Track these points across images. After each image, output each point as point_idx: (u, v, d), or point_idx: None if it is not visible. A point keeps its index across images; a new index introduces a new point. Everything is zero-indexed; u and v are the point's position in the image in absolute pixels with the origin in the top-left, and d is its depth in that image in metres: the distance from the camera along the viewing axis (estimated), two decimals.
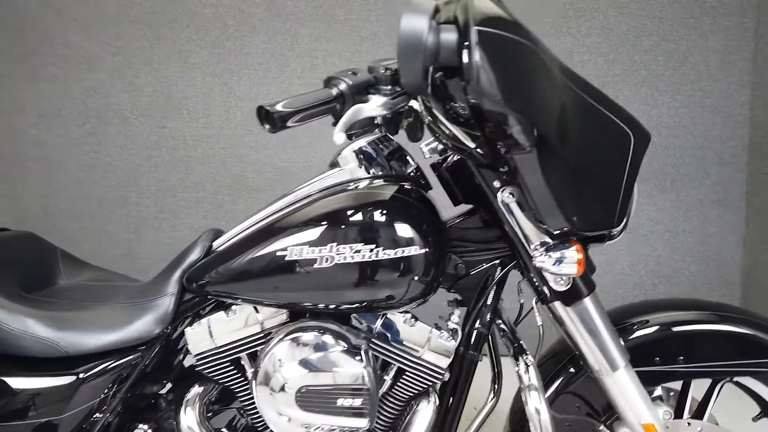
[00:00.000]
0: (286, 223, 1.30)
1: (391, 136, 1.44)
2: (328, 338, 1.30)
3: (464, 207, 1.43)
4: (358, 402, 1.27)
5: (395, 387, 1.37)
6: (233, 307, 1.37)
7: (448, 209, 1.42)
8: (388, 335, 1.34)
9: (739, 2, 2.83)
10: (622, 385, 1.29)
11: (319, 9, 2.92)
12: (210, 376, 1.39)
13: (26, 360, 1.35)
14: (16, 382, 1.36)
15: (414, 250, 1.24)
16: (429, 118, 1.21)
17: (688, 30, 2.87)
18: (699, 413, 1.43)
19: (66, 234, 3.02)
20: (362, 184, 1.31)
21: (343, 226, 1.26)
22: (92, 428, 1.37)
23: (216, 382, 1.41)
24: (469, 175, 1.32)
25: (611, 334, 1.29)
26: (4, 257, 1.45)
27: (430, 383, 1.35)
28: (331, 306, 1.31)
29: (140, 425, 1.44)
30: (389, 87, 1.20)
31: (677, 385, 1.44)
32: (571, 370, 1.42)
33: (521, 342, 1.36)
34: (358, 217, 1.26)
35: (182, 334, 1.44)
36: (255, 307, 1.36)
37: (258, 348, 1.37)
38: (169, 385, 1.51)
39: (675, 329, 1.39)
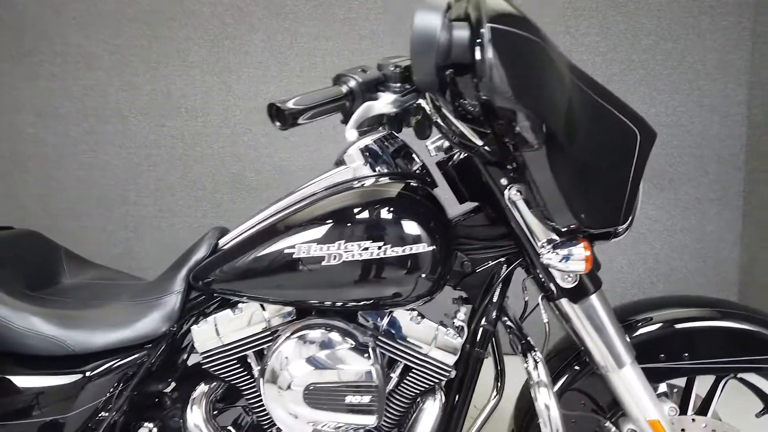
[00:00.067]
0: (293, 221, 1.30)
1: (396, 134, 1.45)
2: (335, 336, 1.30)
3: (469, 205, 1.43)
4: (366, 399, 1.28)
5: (401, 384, 1.37)
6: (239, 305, 1.37)
7: (453, 207, 1.42)
8: (395, 332, 1.34)
9: (737, 2, 2.85)
10: (628, 381, 1.30)
11: (318, 8, 2.92)
12: (216, 374, 1.39)
13: (31, 358, 1.34)
14: (21, 381, 1.35)
15: (422, 248, 1.25)
16: (437, 115, 1.22)
17: (686, 29, 2.88)
18: (703, 410, 1.44)
19: (64, 233, 2.99)
20: (369, 182, 1.31)
21: (350, 224, 1.26)
22: (98, 427, 1.37)
23: (222, 380, 1.41)
24: (475, 172, 1.32)
25: (617, 331, 1.30)
26: (8, 256, 1.45)
27: (437, 380, 1.35)
28: (338, 303, 1.31)
29: (145, 424, 1.44)
30: (398, 84, 1.20)
31: (681, 381, 1.45)
32: (576, 367, 1.42)
33: (529, 339, 1.36)
34: (366, 214, 1.26)
35: (187, 332, 1.44)
36: (261, 305, 1.36)
37: (264, 346, 1.37)
38: (173, 384, 1.51)
39: (679, 326, 1.39)
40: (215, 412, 1.45)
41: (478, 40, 0.99)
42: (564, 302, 1.30)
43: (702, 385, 1.45)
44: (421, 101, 1.27)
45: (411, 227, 1.25)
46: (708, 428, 1.38)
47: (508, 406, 1.57)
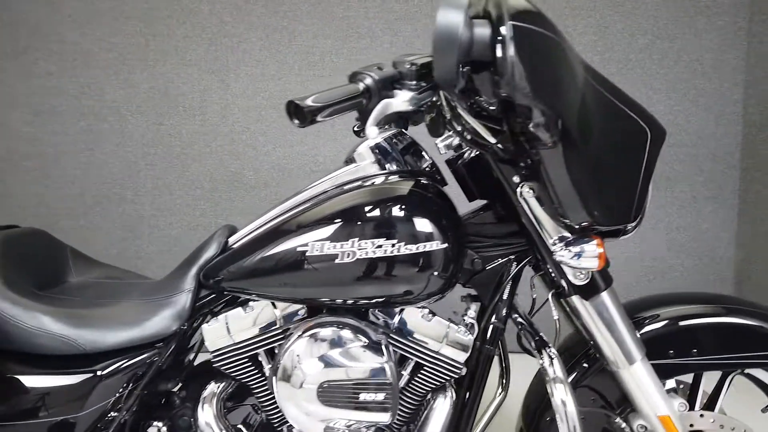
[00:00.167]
0: (306, 219, 1.30)
1: (405, 132, 1.45)
2: (349, 333, 1.30)
3: (478, 203, 1.43)
4: (380, 396, 1.28)
5: (412, 382, 1.37)
6: (250, 303, 1.37)
7: (461, 205, 1.42)
8: (406, 330, 1.35)
9: (732, 2, 2.88)
10: (639, 377, 1.31)
11: (317, 6, 2.92)
12: (227, 373, 1.39)
13: (41, 358, 1.34)
14: (31, 380, 1.34)
15: (435, 245, 1.25)
16: (450, 113, 1.22)
17: (682, 28, 2.91)
18: (709, 405, 1.45)
19: (61, 233, 2.93)
20: (380, 180, 1.31)
21: (364, 222, 1.26)
22: (108, 427, 1.36)
23: (233, 378, 1.40)
24: (485, 170, 1.33)
25: (628, 328, 1.31)
26: (15, 254, 1.44)
27: (448, 378, 1.36)
28: (349, 301, 1.31)
29: (154, 423, 1.44)
30: (414, 82, 1.20)
31: (687, 378, 1.46)
32: (585, 364, 1.43)
33: (542, 335, 1.37)
34: (380, 212, 1.26)
35: (194, 331, 1.43)
36: (272, 303, 1.36)
37: (276, 344, 1.37)
38: (179, 383, 1.50)
39: (686, 323, 1.40)
40: (224, 411, 1.45)
41: (499, 38, 1.00)
42: (575, 299, 1.30)
43: (708, 381, 1.46)
44: (435, 99, 1.27)
45: (424, 225, 1.25)
46: (716, 423, 1.39)
47: (512, 403, 1.58)
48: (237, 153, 3.02)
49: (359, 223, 1.26)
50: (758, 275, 2.93)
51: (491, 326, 1.38)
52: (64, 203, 3.04)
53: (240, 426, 1.44)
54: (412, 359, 1.36)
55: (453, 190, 1.39)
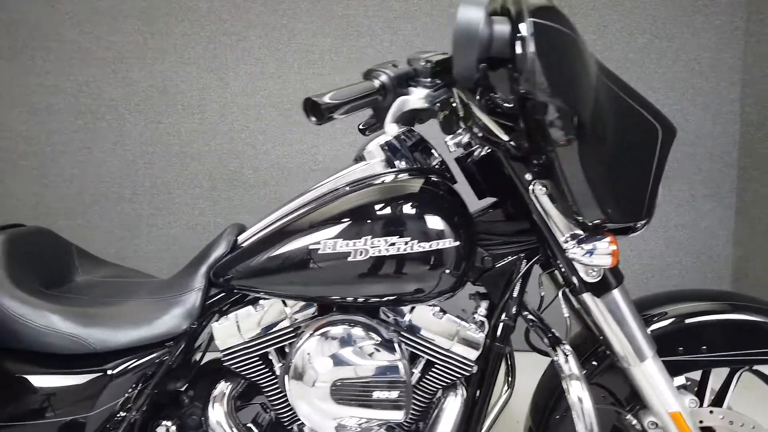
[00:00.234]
0: (317, 217, 1.30)
1: (413, 129, 1.45)
2: (361, 332, 1.30)
3: (486, 201, 1.44)
4: (394, 394, 1.28)
5: (423, 380, 1.37)
6: (260, 302, 1.36)
7: (470, 203, 1.42)
8: (417, 328, 1.35)
9: (729, 1, 2.89)
10: (650, 374, 1.31)
11: (316, 4, 2.92)
12: (237, 372, 1.38)
13: (50, 357, 1.33)
14: (41, 380, 1.33)
15: (448, 243, 1.25)
16: (464, 110, 1.22)
17: (680, 28, 2.92)
18: (717, 402, 1.46)
19: (59, 232, 2.95)
20: (391, 177, 1.31)
21: (377, 219, 1.26)
22: (117, 426, 1.35)
23: (243, 377, 1.40)
24: (495, 168, 1.33)
25: (639, 325, 1.31)
26: (21, 253, 1.42)
27: (459, 376, 1.36)
28: (360, 299, 1.31)
29: (163, 422, 1.43)
30: (429, 79, 1.20)
31: (696, 374, 1.47)
32: (594, 362, 1.43)
33: (554, 332, 1.37)
34: (392, 210, 1.26)
35: (202, 330, 1.43)
36: (283, 302, 1.35)
37: (287, 342, 1.37)
38: (187, 382, 1.50)
39: (695, 320, 1.41)
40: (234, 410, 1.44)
41: (518, 35, 1.00)
42: (587, 296, 1.30)
43: (715, 377, 1.47)
44: (449, 96, 1.27)
45: (437, 223, 1.25)
46: (725, 420, 1.40)
47: (516, 401, 1.58)
48: (236, 152, 3.01)
49: (372, 221, 1.26)
50: (756, 273, 2.95)
51: (501, 324, 1.38)
52: (61, 202, 3.02)
53: (250, 425, 1.43)
54: (422, 357, 1.36)
55: (461, 188, 1.39)
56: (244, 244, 1.38)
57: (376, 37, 2.95)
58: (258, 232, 1.37)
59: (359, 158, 1.43)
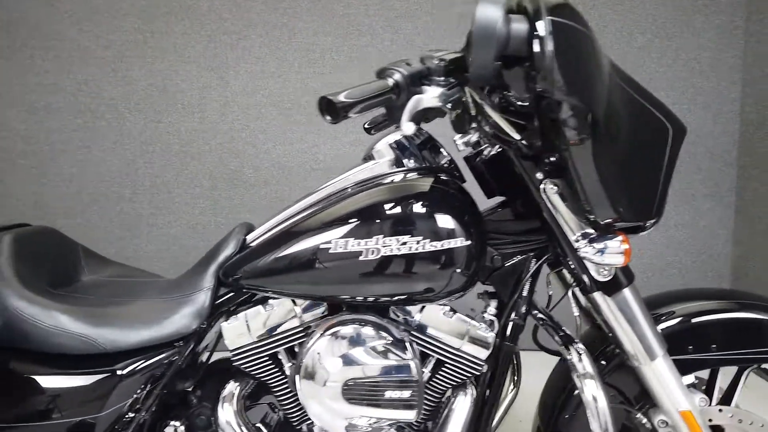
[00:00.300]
0: (328, 216, 1.29)
1: (421, 128, 1.45)
2: (373, 331, 1.30)
3: (494, 200, 1.43)
4: (406, 394, 1.27)
5: (433, 379, 1.37)
6: (270, 301, 1.36)
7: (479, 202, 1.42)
8: (427, 327, 1.34)
9: (729, 0, 2.90)
10: (661, 373, 1.31)
11: (317, 3, 2.91)
12: (247, 372, 1.38)
13: (59, 357, 1.31)
14: (49, 380, 1.32)
15: (460, 242, 1.25)
16: (475, 109, 1.22)
17: (680, 27, 2.93)
18: (725, 400, 1.46)
19: None
20: (403, 176, 1.31)
21: (388, 219, 1.25)
22: (126, 427, 1.34)
23: (252, 377, 1.39)
24: (504, 167, 1.33)
25: (650, 324, 1.31)
26: (29, 253, 1.41)
27: (469, 375, 1.36)
28: (370, 298, 1.31)
29: (171, 422, 1.42)
30: (442, 78, 1.20)
31: (704, 373, 1.47)
32: (603, 362, 1.43)
33: (566, 331, 1.37)
34: (404, 209, 1.26)
35: (207, 330, 1.42)
36: (293, 301, 1.35)
37: (296, 342, 1.36)
38: (194, 383, 1.49)
39: (704, 318, 1.41)
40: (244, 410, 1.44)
41: (536, 33, 1.00)
42: (597, 295, 1.30)
43: (722, 376, 1.47)
44: (461, 95, 1.26)
45: (449, 222, 1.25)
46: (735, 418, 1.40)
47: (520, 399, 1.58)
48: (236, 151, 3.00)
49: (383, 220, 1.26)
50: (755, 272, 2.96)
51: (511, 323, 1.38)
52: (61, 202, 3.01)
53: (258, 425, 1.43)
54: (432, 357, 1.36)
55: (470, 187, 1.39)
56: (252, 244, 1.37)
57: (377, 36, 2.94)
58: (267, 232, 1.37)
59: (368, 157, 1.42)
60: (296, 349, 1.37)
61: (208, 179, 3.02)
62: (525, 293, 1.39)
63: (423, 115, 1.36)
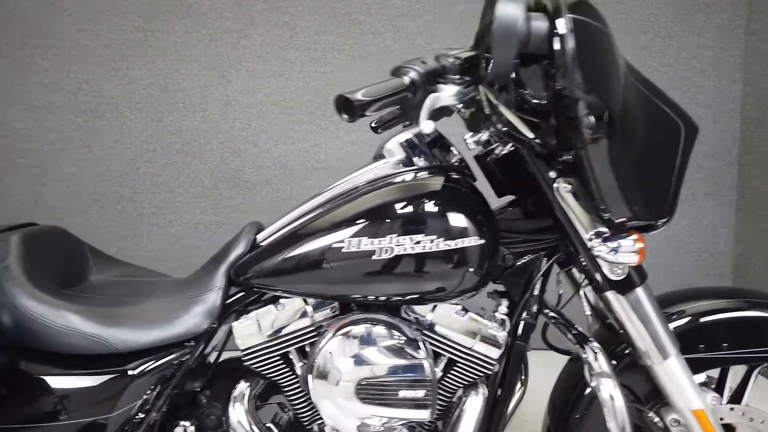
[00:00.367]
0: (340, 216, 1.29)
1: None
2: (386, 330, 1.29)
3: (505, 199, 1.43)
4: (420, 393, 1.27)
5: (445, 378, 1.36)
6: (281, 301, 1.35)
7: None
8: (439, 327, 1.34)
9: (730, 0, 2.91)
10: (673, 372, 1.31)
11: (318, 1, 2.90)
12: (258, 371, 1.37)
13: (70, 357, 1.31)
14: (60, 381, 1.31)
15: (473, 241, 1.24)
16: (489, 108, 1.22)
17: (681, 26, 2.93)
18: (735, 399, 1.46)
19: None
20: (414, 175, 1.30)
21: (402, 218, 1.25)
22: (137, 427, 1.34)
23: (263, 377, 1.39)
24: (516, 166, 1.33)
25: (662, 323, 1.31)
26: (37, 252, 1.40)
27: (481, 374, 1.35)
28: (382, 298, 1.30)
29: (181, 422, 1.41)
30: (458, 76, 1.19)
31: (714, 371, 1.47)
32: (613, 361, 1.43)
33: (580, 329, 1.37)
34: (418, 208, 1.25)
35: (219, 330, 1.41)
36: (305, 300, 1.34)
37: (308, 341, 1.35)
38: (203, 383, 1.48)
39: (715, 317, 1.42)
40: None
41: (556, 31, 1.00)
42: (610, 294, 1.30)
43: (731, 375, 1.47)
44: (475, 94, 1.26)
45: (462, 220, 1.25)
46: (746, 417, 1.40)
47: (527, 398, 1.57)
48: (238, 150, 2.99)
49: (396, 219, 1.25)
50: (756, 270, 2.97)
51: (522, 322, 1.38)
52: (61, 201, 2.99)
53: (269, 425, 1.42)
54: (444, 356, 1.36)
55: (479, 186, 1.38)
56: (263, 243, 1.37)
57: (379, 35, 2.94)
58: (278, 231, 1.36)
59: (378, 156, 1.42)
60: (307, 349, 1.37)
61: (209, 178, 3.00)
62: (536, 292, 1.38)
63: (439, 114, 1.36)
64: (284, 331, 1.35)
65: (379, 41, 2.94)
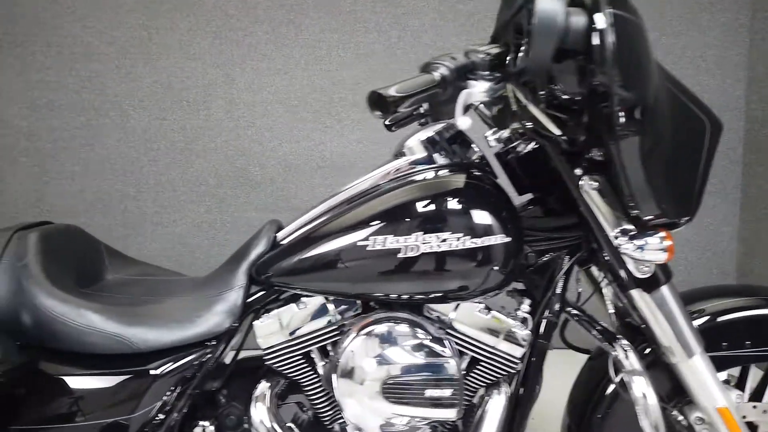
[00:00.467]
0: (363, 214, 1.28)
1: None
2: (412, 329, 1.28)
3: (525, 196, 1.42)
4: (447, 392, 1.26)
5: (468, 377, 1.35)
6: (303, 299, 1.34)
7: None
8: (462, 325, 1.33)
9: None
10: (698, 370, 1.31)
11: None
12: (279, 370, 1.36)
13: (91, 357, 1.29)
14: (81, 381, 1.30)
15: (500, 239, 1.24)
16: (517, 104, 1.21)
17: (686, 25, 2.94)
18: (756, 397, 1.46)
19: None
20: (438, 173, 1.29)
21: (427, 215, 1.24)
22: (158, 428, 1.32)
23: (284, 376, 1.37)
24: (538, 164, 1.32)
25: (687, 321, 1.30)
26: (55, 251, 1.38)
27: (504, 373, 1.34)
28: (405, 296, 1.29)
29: (200, 422, 1.40)
30: (487, 72, 1.18)
31: (735, 369, 1.47)
32: None
33: (606, 326, 1.36)
34: (443, 205, 1.25)
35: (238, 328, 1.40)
36: (326, 299, 1.33)
37: (329, 340, 1.34)
38: (221, 382, 1.47)
39: (736, 315, 1.41)
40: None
41: (594, 26, 0.99)
42: (635, 292, 1.29)
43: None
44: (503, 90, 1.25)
45: (488, 218, 1.24)
46: None
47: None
48: (242, 149, 2.97)
49: (422, 217, 1.24)
50: (760, 269, 2.97)
51: (544, 320, 1.37)
52: (63, 200, 2.96)
53: (290, 424, 1.41)
54: (467, 355, 1.35)
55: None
56: (284, 242, 1.35)
57: (384, 33, 2.93)
58: (299, 229, 1.35)
59: (399, 154, 1.40)
60: (329, 348, 1.36)
61: (213, 177, 2.98)
62: (558, 290, 1.38)
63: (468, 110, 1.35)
64: (306, 330, 1.33)
65: (384, 39, 2.93)
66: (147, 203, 2.99)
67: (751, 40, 2.94)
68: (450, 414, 1.28)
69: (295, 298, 1.35)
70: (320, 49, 2.93)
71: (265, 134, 2.97)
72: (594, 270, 1.43)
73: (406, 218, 1.24)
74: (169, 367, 1.31)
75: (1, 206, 2.95)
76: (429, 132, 1.38)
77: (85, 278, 1.43)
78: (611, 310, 1.38)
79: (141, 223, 3.00)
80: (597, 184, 1.23)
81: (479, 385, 1.36)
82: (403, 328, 1.28)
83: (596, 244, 1.31)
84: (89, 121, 2.93)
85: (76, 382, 1.30)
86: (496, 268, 1.26)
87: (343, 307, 1.34)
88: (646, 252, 1.22)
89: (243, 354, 1.49)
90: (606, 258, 1.30)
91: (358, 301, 1.35)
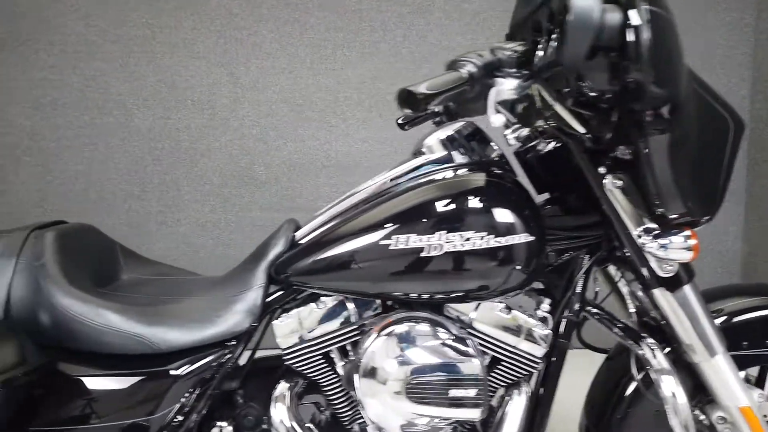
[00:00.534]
0: (384, 213, 1.27)
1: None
2: (432, 329, 1.27)
3: (543, 195, 1.42)
4: (472, 392, 1.25)
5: (489, 377, 1.34)
6: (322, 299, 1.33)
7: None
8: (484, 325, 1.32)
9: None
10: (721, 370, 1.30)
11: None
12: (298, 370, 1.35)
13: (110, 357, 1.28)
14: (100, 381, 1.28)
15: (523, 238, 1.23)
16: (541, 102, 1.20)
17: (691, 24, 2.93)
18: None
19: None
20: (458, 171, 1.28)
21: (450, 214, 1.23)
22: (178, 428, 1.31)
23: (303, 376, 1.36)
24: (559, 162, 1.31)
25: (709, 320, 1.30)
26: (72, 250, 1.36)
27: (525, 373, 1.34)
28: (425, 295, 1.29)
29: (218, 423, 1.39)
30: (514, 69, 1.18)
31: (753, 369, 1.47)
32: None
33: (630, 324, 1.36)
34: (466, 204, 1.24)
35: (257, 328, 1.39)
36: (346, 298, 1.32)
37: (349, 340, 1.33)
38: (238, 382, 1.46)
39: (755, 314, 1.41)
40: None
41: (629, 22, 0.99)
42: (657, 292, 1.29)
43: None
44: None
45: (511, 216, 1.23)
46: None
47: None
48: (247, 148, 2.96)
49: (445, 216, 1.24)
50: (765, 268, 2.98)
51: (565, 320, 1.37)
52: (67, 199, 2.94)
53: (308, 425, 1.39)
54: (488, 354, 1.34)
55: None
56: (303, 241, 1.34)
57: (389, 32, 2.92)
58: (318, 228, 1.34)
59: (417, 152, 1.40)
60: (348, 348, 1.35)
61: (218, 176, 2.97)
62: (578, 290, 1.37)
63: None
64: (326, 330, 1.32)
65: (390, 38, 2.92)
66: (151, 203, 2.97)
67: (756, 39, 2.95)
68: (474, 414, 1.27)
69: (313, 298, 1.34)
70: (325, 48, 2.92)
71: (270, 133, 2.95)
72: (611, 269, 1.42)
73: (429, 217, 1.24)
74: (189, 367, 1.29)
75: (5, 206, 2.93)
76: (448, 130, 1.37)
77: (102, 278, 1.41)
78: (632, 309, 1.38)
79: (145, 222, 2.98)
80: (621, 182, 1.22)
81: (500, 385, 1.35)
82: (425, 327, 1.28)
83: (617, 243, 1.30)
84: (93, 120, 2.91)
85: (95, 382, 1.28)
86: (518, 267, 1.25)
87: (362, 306, 1.33)
88: (671, 251, 1.21)
89: (258, 354, 1.48)
90: (627, 257, 1.29)
91: (378, 301, 1.35)
